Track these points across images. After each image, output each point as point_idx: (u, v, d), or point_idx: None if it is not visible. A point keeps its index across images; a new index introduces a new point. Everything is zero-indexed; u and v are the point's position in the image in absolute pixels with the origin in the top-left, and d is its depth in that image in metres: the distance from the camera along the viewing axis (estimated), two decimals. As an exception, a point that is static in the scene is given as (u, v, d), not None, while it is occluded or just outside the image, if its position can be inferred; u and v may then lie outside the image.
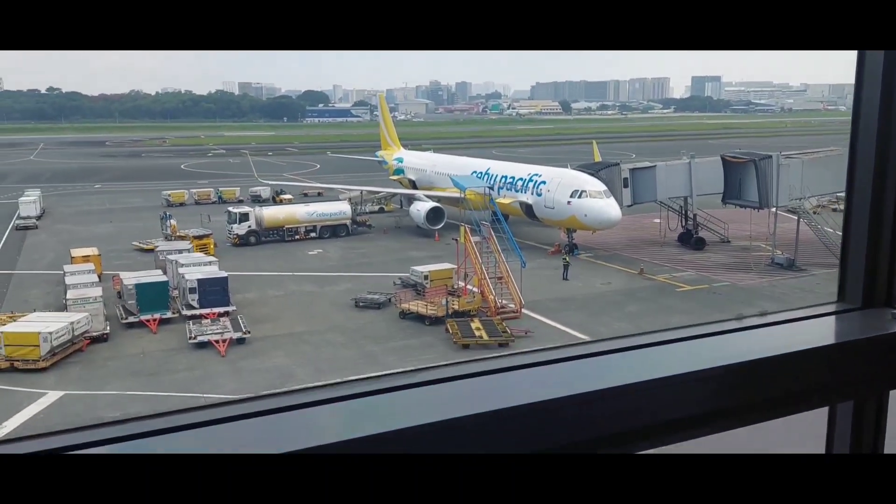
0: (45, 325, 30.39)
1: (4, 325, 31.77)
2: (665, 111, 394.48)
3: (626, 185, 49.84)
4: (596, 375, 2.67)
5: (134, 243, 53.32)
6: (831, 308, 3.43)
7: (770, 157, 46.10)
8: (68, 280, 37.50)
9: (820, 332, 3.27)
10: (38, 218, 64.97)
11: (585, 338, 32.46)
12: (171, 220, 54.94)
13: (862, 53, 3.25)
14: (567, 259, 44.08)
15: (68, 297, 34.58)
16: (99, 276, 40.04)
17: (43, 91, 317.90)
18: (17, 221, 62.62)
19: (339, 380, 2.72)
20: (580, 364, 2.74)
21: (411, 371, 2.64)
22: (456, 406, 2.40)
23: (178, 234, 53.17)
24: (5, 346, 29.47)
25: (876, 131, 3.24)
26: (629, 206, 50.35)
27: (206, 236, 51.58)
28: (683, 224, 52.06)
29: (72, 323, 31.07)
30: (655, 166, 50.69)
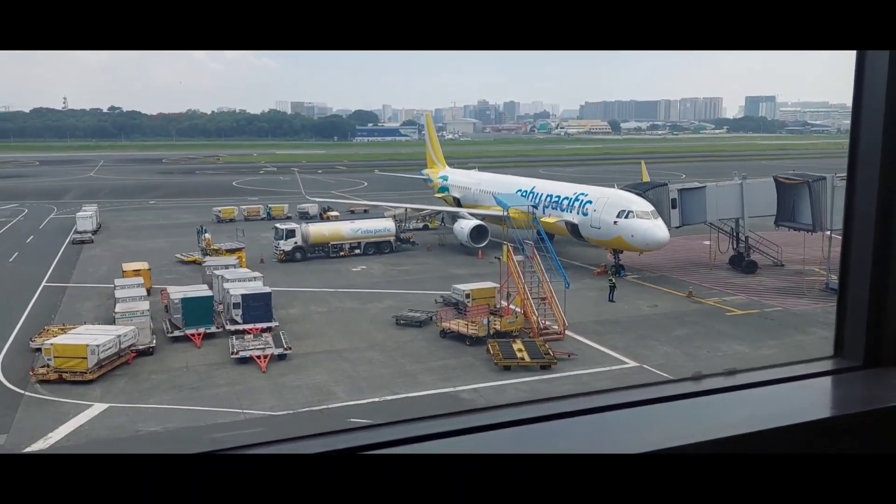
0: (94, 337, 30.93)
1: (55, 336, 32.51)
2: (717, 131, 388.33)
3: (674, 206, 48.79)
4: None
5: (177, 255, 55.17)
6: (827, 366, 2.80)
7: (824, 178, 44.63)
8: (117, 293, 38.26)
9: (809, 401, 2.63)
10: (94, 232, 66.90)
11: (630, 362, 31.62)
12: (206, 234, 56.44)
13: (862, 54, 2.70)
14: (613, 280, 43.24)
15: (117, 310, 35.23)
16: (148, 290, 40.81)
17: (105, 110, 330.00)
18: (74, 236, 64.56)
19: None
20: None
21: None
22: None
23: (211, 247, 54.25)
24: (55, 357, 30.06)
25: (880, 148, 2.65)
26: (677, 227, 49.26)
27: (239, 250, 52.52)
28: (735, 246, 50.67)
29: (119, 336, 31.56)
30: (705, 187, 49.57)
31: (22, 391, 28.88)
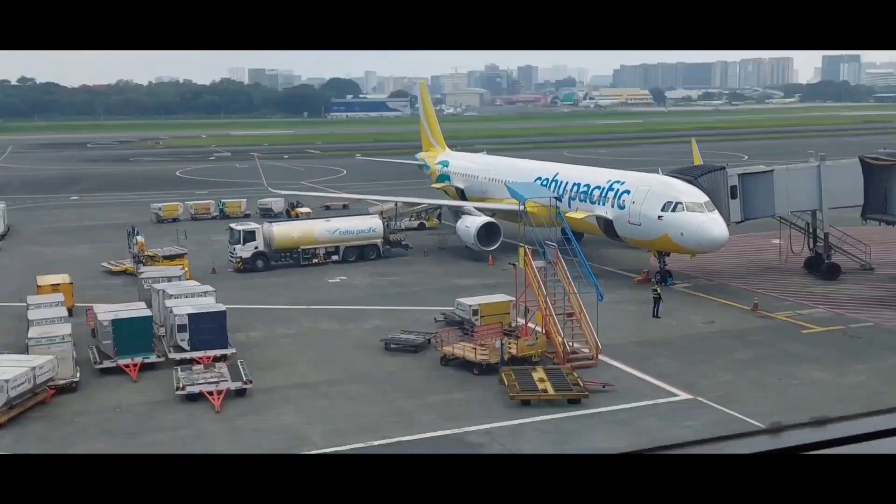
0: (1, 371, 30.90)
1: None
2: (788, 100, 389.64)
3: (734, 196, 48.83)
4: None
5: (103, 264, 55.26)
6: None
7: (925, 158, 44.70)
8: (31, 314, 38.25)
9: None
10: (2, 237, 67.01)
11: (682, 394, 31.59)
12: (139, 237, 55.34)
13: None
14: (658, 290, 43.29)
15: (30, 335, 35.21)
16: (69, 310, 40.80)
17: (13, 82, 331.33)
18: (-24, 241, 64.65)
19: None
20: None
21: None
22: None
23: (146, 252, 53.74)
24: (-47, 396, 30.04)
25: None
26: (739, 222, 49.33)
27: (181, 256, 52.33)
28: (811, 246, 50.81)
29: (33, 368, 31.50)
30: (773, 171, 49.64)
31: (-89, 440, 28.87)
